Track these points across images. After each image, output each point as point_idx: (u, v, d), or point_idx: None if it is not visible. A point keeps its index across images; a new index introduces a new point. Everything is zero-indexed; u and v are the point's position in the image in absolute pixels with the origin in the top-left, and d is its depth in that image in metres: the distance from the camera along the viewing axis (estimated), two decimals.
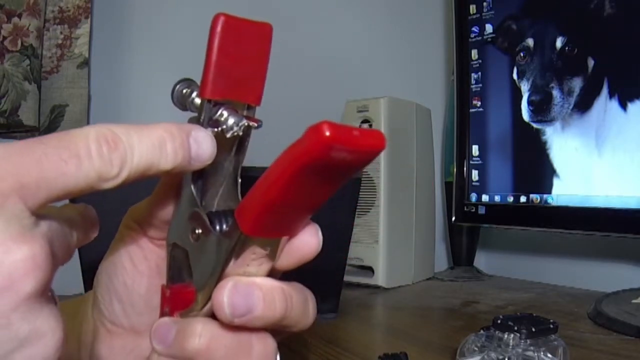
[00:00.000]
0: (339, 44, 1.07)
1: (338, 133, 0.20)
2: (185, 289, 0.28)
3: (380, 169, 0.87)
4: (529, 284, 0.94)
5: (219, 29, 0.26)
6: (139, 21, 0.93)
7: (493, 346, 0.43)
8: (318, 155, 0.21)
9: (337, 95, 0.97)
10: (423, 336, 0.62)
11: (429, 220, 0.99)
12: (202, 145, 0.25)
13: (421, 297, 0.85)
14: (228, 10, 0.26)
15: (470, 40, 0.87)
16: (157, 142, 0.24)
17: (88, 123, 0.83)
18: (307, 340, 0.58)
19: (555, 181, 0.77)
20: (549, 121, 0.77)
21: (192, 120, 0.27)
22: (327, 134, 0.20)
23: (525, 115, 0.80)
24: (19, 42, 0.78)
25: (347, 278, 0.76)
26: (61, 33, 0.83)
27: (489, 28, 0.85)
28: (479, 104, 0.86)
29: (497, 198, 0.84)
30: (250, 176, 0.26)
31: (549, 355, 0.42)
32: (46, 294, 0.21)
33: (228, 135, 0.26)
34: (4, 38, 0.78)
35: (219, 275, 0.26)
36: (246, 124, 0.27)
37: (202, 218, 0.27)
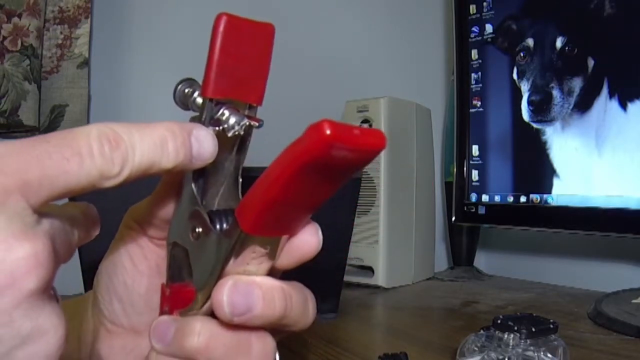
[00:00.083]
0: (339, 44, 1.07)
1: (339, 131, 0.20)
2: (185, 288, 0.28)
3: (380, 169, 0.87)
4: (529, 284, 0.94)
5: (221, 28, 0.26)
6: (139, 21, 0.93)
7: (493, 346, 0.43)
8: (319, 153, 0.21)
9: (337, 95, 0.97)
10: (423, 336, 0.62)
11: (429, 220, 0.99)
12: (204, 144, 0.25)
13: (421, 297, 0.85)
14: (228, 10, 0.26)
15: (470, 40, 0.87)
16: (158, 140, 0.24)
17: (88, 123, 0.83)
18: (307, 340, 0.58)
19: (555, 181, 0.77)
20: (549, 121, 0.77)
21: (193, 120, 0.27)
22: (328, 132, 0.20)
23: (525, 115, 0.80)
24: (19, 42, 0.78)
25: (347, 278, 0.76)
26: (61, 33, 0.83)
27: (489, 28, 0.85)
28: (479, 104, 0.86)
29: (497, 198, 0.84)
30: (250, 176, 0.26)
31: (549, 355, 0.42)
32: (48, 292, 0.21)
33: (229, 135, 0.27)
34: (4, 38, 0.78)
35: (219, 274, 0.26)
36: (247, 123, 0.27)
37: (202, 217, 0.27)
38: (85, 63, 0.84)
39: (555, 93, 0.76)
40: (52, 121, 0.83)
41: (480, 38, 0.86)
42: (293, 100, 0.96)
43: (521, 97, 0.80)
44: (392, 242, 0.89)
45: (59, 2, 0.83)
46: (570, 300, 0.78)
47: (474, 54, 0.87)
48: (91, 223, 0.26)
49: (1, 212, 0.19)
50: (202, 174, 0.28)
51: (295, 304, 0.27)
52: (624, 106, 0.69)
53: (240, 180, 0.29)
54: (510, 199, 0.82)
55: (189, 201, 0.28)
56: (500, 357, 0.42)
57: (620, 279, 0.82)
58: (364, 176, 0.84)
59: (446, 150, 1.02)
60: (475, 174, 0.87)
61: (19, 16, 0.78)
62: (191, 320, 0.27)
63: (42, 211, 0.21)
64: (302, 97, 1.00)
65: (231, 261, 0.26)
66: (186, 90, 0.27)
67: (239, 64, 0.26)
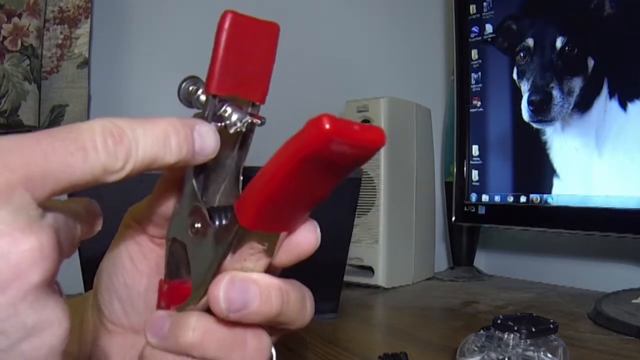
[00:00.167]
0: (339, 44, 1.07)
1: (338, 126, 0.20)
2: (183, 285, 0.28)
3: (380, 169, 0.87)
4: (529, 284, 0.94)
5: (226, 25, 0.26)
6: (139, 21, 0.93)
7: (493, 346, 0.43)
8: (318, 147, 0.21)
9: (337, 95, 0.97)
10: (423, 336, 0.62)
11: (429, 220, 0.99)
12: (206, 139, 0.26)
13: (421, 297, 0.85)
14: (228, 10, 0.26)
15: (470, 40, 0.87)
16: (161, 135, 0.24)
17: None
18: (307, 340, 0.58)
19: (555, 181, 0.77)
20: (549, 121, 0.77)
21: (196, 116, 0.27)
22: (327, 126, 0.20)
23: (525, 115, 0.80)
24: (19, 42, 0.78)
25: (347, 278, 0.76)
26: (61, 33, 0.83)
27: (489, 28, 0.85)
28: (479, 104, 0.86)
29: (497, 198, 0.84)
30: (251, 176, 0.26)
31: (549, 355, 0.42)
32: (53, 285, 0.21)
33: (231, 131, 0.27)
34: (4, 38, 0.78)
35: (216, 270, 0.26)
36: (249, 120, 0.27)
37: (202, 212, 0.27)
38: (85, 63, 0.84)
39: (555, 93, 0.76)
40: (52, 121, 0.83)
41: (480, 38, 0.86)
42: (293, 100, 0.96)
43: (521, 97, 0.80)
44: (392, 242, 0.89)
45: (59, 2, 0.83)
46: (570, 300, 0.78)
47: (474, 54, 0.87)
48: (93, 218, 0.26)
49: (6, 206, 0.20)
50: (204, 171, 0.28)
51: (293, 301, 0.27)
52: (624, 106, 0.69)
53: (241, 178, 0.29)
54: (510, 199, 0.82)
55: (189, 198, 0.28)
56: (500, 357, 0.42)
57: (620, 279, 0.82)
58: (364, 176, 0.84)
59: (446, 150, 1.02)
60: (475, 174, 0.87)
61: (19, 16, 0.78)
62: (186, 315, 0.27)
63: (46, 206, 0.21)
64: (302, 97, 1.00)
65: (229, 257, 0.26)
66: (190, 88, 0.28)
67: (243, 62, 0.27)
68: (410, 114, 0.93)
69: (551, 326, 0.43)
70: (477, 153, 0.86)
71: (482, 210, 0.86)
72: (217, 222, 0.27)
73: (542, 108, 0.77)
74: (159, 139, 0.24)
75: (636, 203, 0.68)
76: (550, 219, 0.78)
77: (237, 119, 0.26)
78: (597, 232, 0.74)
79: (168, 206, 0.29)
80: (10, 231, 0.19)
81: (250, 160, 0.30)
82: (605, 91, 0.71)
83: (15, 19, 0.78)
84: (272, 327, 0.28)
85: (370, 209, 0.88)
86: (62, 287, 0.23)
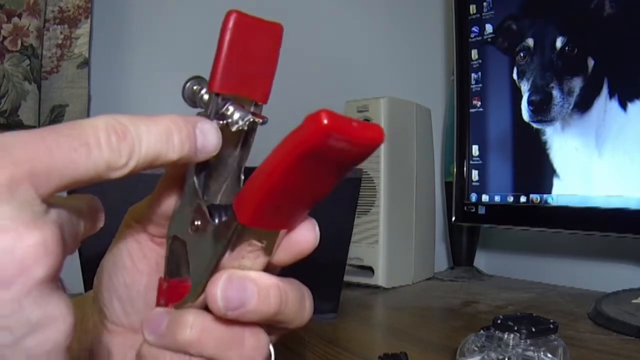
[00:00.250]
0: (339, 44, 1.07)
1: (336, 122, 0.20)
2: (182, 283, 0.28)
3: (380, 169, 0.87)
4: (529, 284, 0.94)
5: (230, 24, 0.26)
6: (139, 21, 0.93)
7: (493, 346, 0.43)
8: (316, 143, 0.21)
9: (337, 95, 0.97)
10: (423, 336, 0.62)
11: (429, 220, 0.99)
12: (208, 136, 0.26)
13: (421, 297, 0.85)
14: (228, 10, 0.26)
15: (470, 40, 0.87)
16: (164, 132, 0.24)
17: None
18: (307, 340, 0.58)
19: (555, 181, 0.77)
20: (549, 121, 0.77)
21: (199, 115, 0.27)
22: (326, 122, 0.20)
23: (525, 115, 0.80)
24: (19, 42, 0.78)
25: (347, 278, 0.76)
26: (61, 33, 0.83)
27: (489, 28, 0.85)
28: (479, 104, 0.86)
29: (497, 198, 0.84)
30: None
31: (549, 355, 0.42)
32: (57, 281, 0.21)
33: (233, 129, 0.27)
34: (4, 38, 0.78)
35: (215, 267, 0.26)
36: (251, 119, 0.27)
37: (202, 210, 0.27)
38: (85, 63, 0.84)
39: (555, 93, 0.76)
40: (52, 121, 0.83)
41: (480, 38, 0.86)
42: (293, 100, 0.95)
43: (521, 97, 0.80)
44: (392, 242, 0.89)
45: (59, 2, 0.83)
46: (570, 300, 0.78)
47: (474, 54, 0.87)
48: (96, 215, 0.26)
49: (11, 201, 0.20)
50: (205, 170, 0.28)
51: (291, 300, 0.27)
52: (624, 106, 0.69)
53: (243, 177, 0.29)
54: (510, 199, 0.82)
55: (190, 196, 0.28)
56: (500, 357, 0.42)
57: (620, 279, 0.82)
58: (364, 176, 0.84)
59: (446, 150, 1.02)
60: (475, 174, 0.87)
61: (19, 16, 0.78)
62: (184, 312, 0.27)
63: (49, 202, 0.21)
64: (302, 97, 0.99)
65: (227, 254, 0.26)
66: (194, 87, 0.28)
67: (246, 62, 0.27)
68: (410, 114, 0.93)
69: (551, 326, 0.43)
70: (477, 153, 0.86)
71: (482, 210, 0.86)
72: (216, 220, 0.27)
73: (542, 108, 0.77)
74: (161, 136, 0.24)
75: (636, 203, 0.68)
76: (550, 219, 0.78)
77: (239, 117, 0.27)
78: (597, 232, 0.74)
79: (169, 205, 0.29)
80: (14, 226, 0.19)
81: (250, 161, 0.30)
82: (605, 91, 0.71)
83: (15, 19, 0.78)
84: (270, 326, 0.28)
85: (370, 209, 0.88)
86: (65, 284, 0.23)
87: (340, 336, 0.62)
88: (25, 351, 0.20)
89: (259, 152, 0.33)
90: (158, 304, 0.29)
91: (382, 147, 0.87)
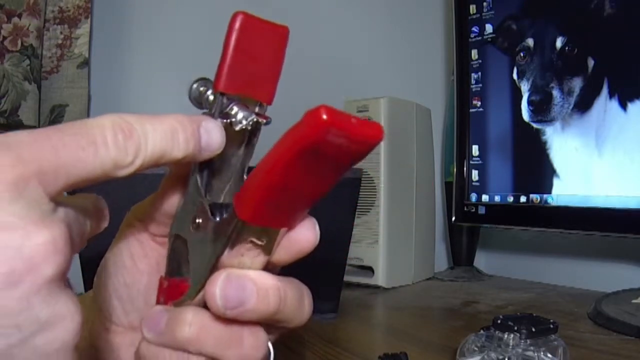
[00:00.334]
0: (339, 44, 1.07)
1: (335, 117, 0.20)
2: (183, 282, 0.28)
3: (380, 169, 0.87)
4: (529, 284, 0.94)
5: (237, 25, 0.26)
6: (139, 21, 0.93)
7: (493, 346, 0.43)
8: (315, 138, 0.21)
9: (337, 95, 0.97)
10: (423, 336, 0.62)
11: (429, 220, 0.99)
12: (212, 134, 0.26)
13: (421, 297, 0.85)
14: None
15: (470, 40, 0.87)
16: (169, 131, 0.24)
17: None
18: (307, 340, 0.58)
19: (555, 181, 0.77)
20: (549, 121, 0.77)
21: (204, 115, 0.27)
22: (325, 117, 0.20)
23: (525, 115, 0.80)
24: (19, 42, 0.78)
25: (347, 278, 0.76)
26: (61, 33, 0.83)
27: (489, 28, 0.85)
28: (479, 104, 0.86)
29: (497, 198, 0.84)
30: None
31: (549, 355, 0.42)
32: (65, 279, 0.21)
33: (237, 129, 0.27)
34: (4, 38, 0.78)
35: (214, 264, 0.26)
36: (255, 119, 0.27)
37: (204, 208, 0.27)
38: (85, 63, 0.84)
39: (555, 93, 0.76)
40: (52, 121, 0.83)
41: (480, 38, 0.86)
42: (293, 100, 0.95)
43: (521, 97, 0.80)
44: (392, 242, 0.89)
45: (59, 2, 0.83)
46: (570, 300, 0.78)
47: (474, 54, 0.87)
48: (101, 214, 0.27)
49: (19, 199, 0.20)
50: (209, 169, 0.28)
51: (290, 300, 0.27)
52: (624, 106, 0.69)
53: (246, 178, 0.29)
54: (510, 199, 0.82)
55: (193, 195, 0.28)
56: (500, 357, 0.42)
57: (620, 279, 0.82)
58: (364, 176, 0.84)
59: (446, 150, 1.02)
60: (475, 174, 0.87)
61: (19, 16, 0.78)
62: (183, 310, 0.27)
63: (56, 200, 0.21)
64: (302, 97, 0.99)
65: (226, 252, 0.26)
66: (201, 89, 0.28)
67: (252, 63, 0.27)
68: (410, 114, 0.93)
69: (551, 326, 0.43)
70: (477, 153, 0.86)
71: (482, 210, 0.86)
72: (217, 217, 0.27)
73: (542, 108, 0.77)
74: (167, 134, 0.24)
75: (636, 203, 0.68)
76: (550, 219, 0.78)
77: (243, 117, 0.27)
78: (597, 232, 0.74)
79: (172, 203, 0.30)
80: (23, 225, 0.19)
81: (253, 161, 0.30)
82: (605, 91, 0.71)
83: (15, 19, 0.78)
84: (270, 325, 0.28)
85: (370, 209, 0.88)
86: (71, 283, 0.23)
87: (340, 336, 0.62)
88: (34, 350, 0.20)
89: (259, 151, 0.33)
90: (158, 302, 0.29)
91: (382, 147, 0.87)
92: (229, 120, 0.27)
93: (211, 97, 0.27)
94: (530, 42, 0.79)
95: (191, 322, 0.27)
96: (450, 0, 0.91)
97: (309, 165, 0.22)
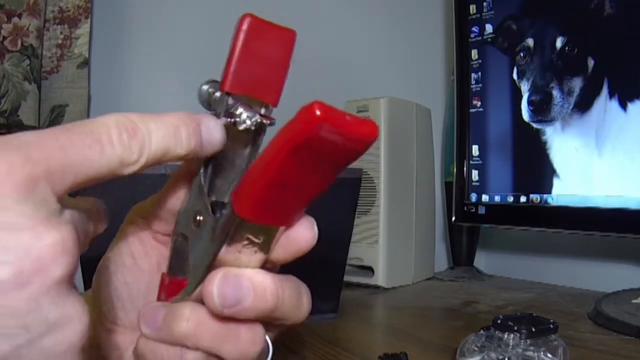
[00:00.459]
0: (339, 44, 1.07)
1: (329, 114, 0.21)
2: (184, 280, 0.29)
3: (380, 169, 0.87)
4: (529, 284, 0.94)
5: (244, 27, 0.26)
6: (139, 21, 0.93)
7: (493, 346, 0.43)
8: (309, 134, 0.21)
9: (337, 95, 0.97)
10: (423, 336, 0.62)
11: (429, 220, 0.99)
12: (212, 131, 0.26)
13: (421, 297, 0.85)
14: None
15: (470, 40, 0.87)
16: (172, 128, 0.25)
17: None
18: (307, 340, 0.58)
19: (555, 181, 0.77)
20: (549, 121, 0.77)
21: (211, 114, 0.28)
22: (318, 113, 0.20)
23: (525, 115, 0.80)
24: (19, 42, 0.78)
25: (347, 278, 0.76)
26: (61, 33, 0.83)
27: (489, 28, 0.85)
28: (479, 104, 0.86)
29: (497, 198, 0.84)
30: None
31: (549, 355, 0.42)
32: (73, 280, 0.22)
33: (240, 128, 0.27)
34: (4, 38, 0.78)
35: (212, 260, 0.27)
36: (259, 119, 0.27)
37: (206, 206, 0.27)
38: (85, 63, 0.84)
39: (555, 93, 0.76)
40: (52, 121, 0.83)
41: (480, 38, 0.86)
42: (293, 100, 0.96)
43: (521, 97, 0.80)
44: (392, 242, 0.89)
45: (59, 2, 0.83)
46: (570, 300, 0.78)
47: (474, 54, 0.87)
48: (101, 217, 0.27)
49: (28, 199, 0.20)
50: (214, 169, 0.28)
51: (288, 297, 0.27)
52: (624, 106, 0.69)
53: None
54: (510, 199, 0.82)
55: (197, 194, 0.28)
56: (500, 357, 0.42)
57: (620, 279, 0.82)
58: (364, 176, 0.84)
59: (446, 150, 1.02)
60: (475, 174, 0.87)
61: (19, 16, 0.78)
62: (181, 305, 0.28)
63: (62, 202, 0.22)
64: (302, 97, 0.99)
65: (224, 248, 0.27)
66: (210, 90, 0.28)
67: (258, 64, 0.27)
68: (410, 114, 0.93)
69: (551, 326, 0.43)
70: (477, 153, 0.86)
71: (482, 210, 0.86)
72: (217, 214, 0.27)
73: (542, 108, 0.77)
74: (169, 132, 0.25)
75: (636, 203, 0.68)
76: (550, 219, 0.78)
77: (247, 117, 0.27)
78: (597, 232, 0.74)
79: (176, 202, 0.30)
80: (32, 225, 0.19)
81: None
82: (605, 91, 0.71)
83: (15, 19, 0.78)
84: (268, 322, 0.28)
85: (370, 209, 0.88)
86: (75, 284, 0.23)
87: (340, 336, 0.62)
88: (42, 351, 0.20)
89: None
90: (159, 299, 0.30)
91: (382, 147, 0.87)
92: (233, 120, 0.27)
93: (218, 97, 0.28)
94: (530, 42, 0.79)
95: (188, 317, 0.27)
96: (450, 0, 0.91)
97: (305, 162, 0.22)
